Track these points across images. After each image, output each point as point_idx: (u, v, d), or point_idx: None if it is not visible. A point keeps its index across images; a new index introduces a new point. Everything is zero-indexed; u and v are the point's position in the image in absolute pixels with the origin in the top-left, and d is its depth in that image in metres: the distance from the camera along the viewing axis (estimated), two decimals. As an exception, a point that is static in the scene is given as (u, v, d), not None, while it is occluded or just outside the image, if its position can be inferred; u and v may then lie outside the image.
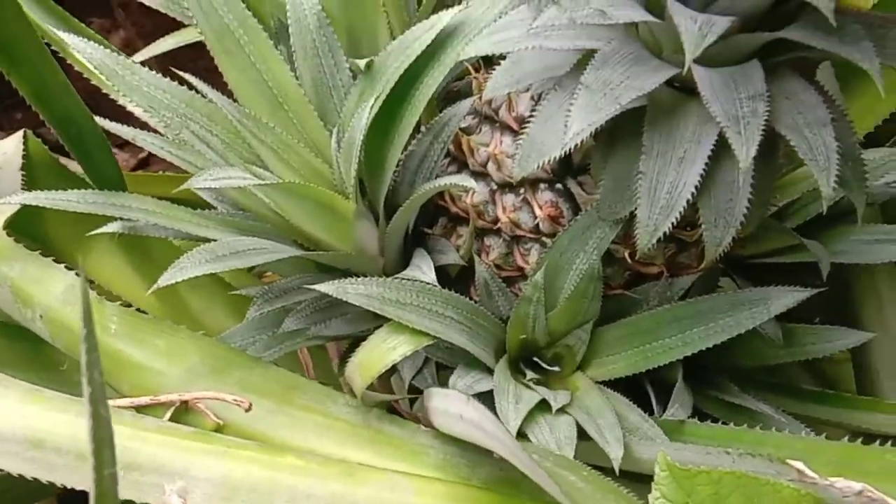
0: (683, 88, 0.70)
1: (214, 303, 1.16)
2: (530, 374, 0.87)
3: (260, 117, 0.86)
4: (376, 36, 0.92)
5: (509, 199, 0.84)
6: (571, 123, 0.65)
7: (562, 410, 0.80)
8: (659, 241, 0.80)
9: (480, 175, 0.87)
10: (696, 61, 0.67)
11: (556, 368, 0.89)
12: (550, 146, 0.71)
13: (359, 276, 0.90)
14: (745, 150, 0.61)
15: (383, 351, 0.82)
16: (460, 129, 0.88)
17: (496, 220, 0.86)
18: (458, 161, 0.91)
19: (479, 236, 0.88)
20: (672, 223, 0.68)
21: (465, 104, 0.88)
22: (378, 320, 0.94)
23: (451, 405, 0.77)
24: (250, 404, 0.80)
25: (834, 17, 0.57)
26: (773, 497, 0.62)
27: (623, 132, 0.72)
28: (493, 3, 0.80)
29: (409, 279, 0.85)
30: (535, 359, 0.89)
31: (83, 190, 0.82)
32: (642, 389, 0.89)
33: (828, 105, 0.66)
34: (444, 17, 0.81)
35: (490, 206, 0.86)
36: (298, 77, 0.88)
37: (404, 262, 0.93)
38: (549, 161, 0.71)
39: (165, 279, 0.77)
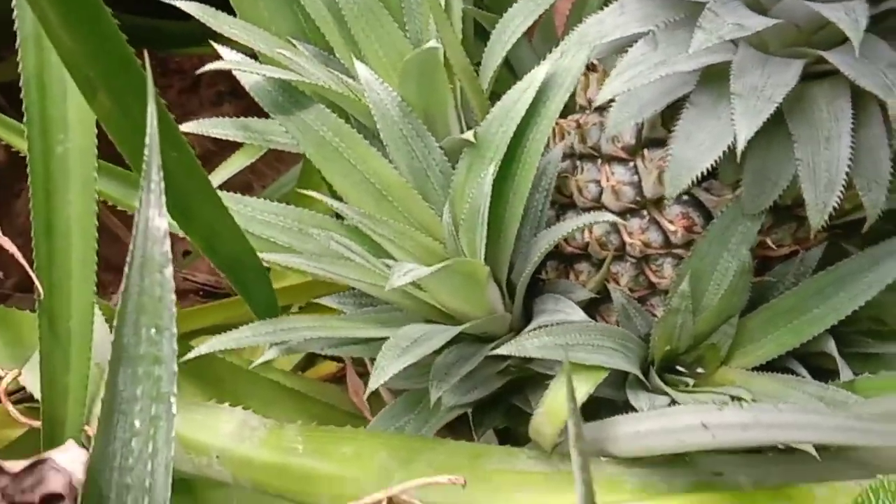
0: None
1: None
2: (687, 381, 0.92)
3: (371, 213, 0.89)
4: (447, 113, 0.96)
5: (634, 223, 0.89)
6: (740, 130, 0.70)
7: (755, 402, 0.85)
8: (783, 222, 0.87)
9: (593, 210, 0.91)
10: (811, 45, 0.74)
11: (700, 370, 0.94)
12: (698, 160, 0.77)
13: (493, 338, 0.93)
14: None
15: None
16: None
17: (622, 247, 0.91)
18: (557, 204, 0.96)
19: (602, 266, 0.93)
20: (839, 197, 0.74)
21: (557, 150, 0.92)
22: (504, 378, 0.98)
23: (674, 421, 0.80)
24: (465, 480, 0.82)
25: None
26: None
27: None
28: (580, 50, 0.85)
29: (560, 323, 0.89)
30: (678, 366, 0.94)
31: (254, 323, 0.84)
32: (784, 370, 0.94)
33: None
34: (539, 75, 0.85)
35: (612, 235, 0.91)
36: (396, 167, 0.92)
37: (526, 313, 0.96)
38: (701, 174, 0.76)
39: (374, 382, 0.79)
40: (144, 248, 0.51)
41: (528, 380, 0.99)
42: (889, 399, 0.81)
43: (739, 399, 0.84)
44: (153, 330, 0.51)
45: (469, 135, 0.88)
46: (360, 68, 0.91)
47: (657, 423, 0.82)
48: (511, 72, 1.08)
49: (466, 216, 0.87)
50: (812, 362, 0.93)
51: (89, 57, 0.68)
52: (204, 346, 0.83)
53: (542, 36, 1.09)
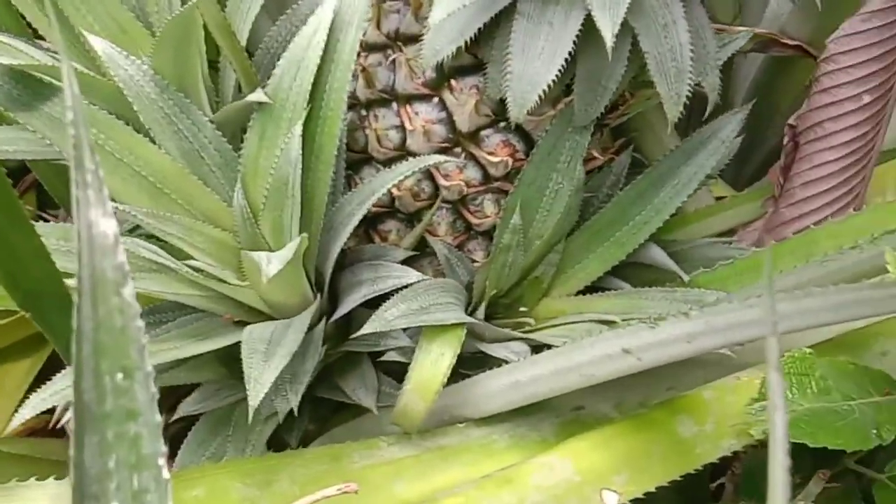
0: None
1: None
2: (528, 321, 0.86)
3: (153, 210, 0.75)
4: (198, 85, 0.82)
5: (450, 163, 0.81)
6: (604, 27, 0.65)
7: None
8: (592, 133, 0.84)
9: (395, 160, 0.82)
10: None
11: (522, 308, 0.89)
12: (541, 73, 0.71)
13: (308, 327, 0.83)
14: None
15: (434, 362, 0.77)
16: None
17: (435, 193, 0.83)
18: (349, 161, 0.86)
19: (417, 218, 0.84)
20: (690, 86, 0.71)
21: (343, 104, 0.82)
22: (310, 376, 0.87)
23: (579, 356, 0.74)
24: (357, 487, 0.71)
25: None
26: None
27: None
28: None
29: (403, 288, 0.80)
30: (498, 310, 0.88)
31: (67, 371, 0.66)
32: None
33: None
34: (326, 15, 0.75)
35: (424, 182, 0.83)
36: (167, 152, 0.77)
37: (333, 291, 0.86)
38: (548, 88, 0.71)
39: (254, 397, 0.65)
40: (92, 264, 0.35)
41: (334, 366, 0.89)
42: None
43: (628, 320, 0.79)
44: (120, 375, 0.36)
45: (258, 95, 0.75)
46: (98, 43, 0.75)
47: (549, 366, 0.75)
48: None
49: (270, 192, 0.75)
50: (624, 277, 0.91)
51: None
52: (26, 411, 0.64)
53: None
